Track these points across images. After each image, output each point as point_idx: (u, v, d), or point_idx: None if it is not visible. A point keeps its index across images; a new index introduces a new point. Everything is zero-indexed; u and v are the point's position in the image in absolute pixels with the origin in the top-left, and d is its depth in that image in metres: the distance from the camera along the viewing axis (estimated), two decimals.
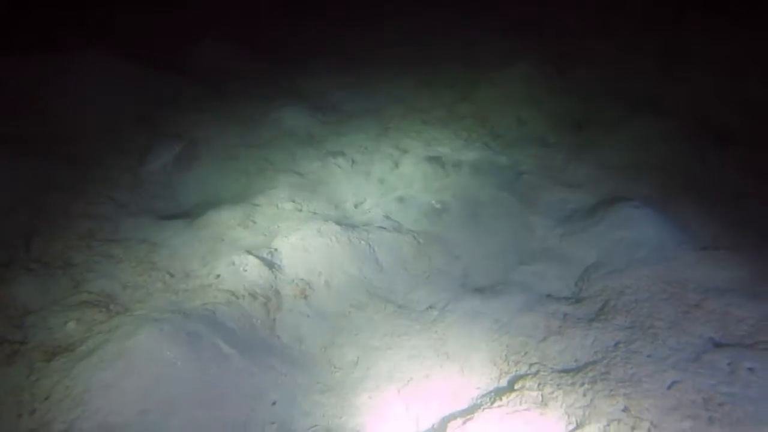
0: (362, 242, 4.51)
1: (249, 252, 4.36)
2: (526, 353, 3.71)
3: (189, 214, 5.13)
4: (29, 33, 7.36)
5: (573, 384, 3.34)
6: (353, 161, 5.85)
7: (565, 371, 3.50)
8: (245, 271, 4.22)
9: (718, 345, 3.39)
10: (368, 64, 7.95)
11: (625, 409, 3.07)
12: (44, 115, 5.80)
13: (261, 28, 8.97)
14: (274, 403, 3.44)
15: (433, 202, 5.18)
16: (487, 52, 7.60)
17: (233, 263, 4.27)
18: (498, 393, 3.45)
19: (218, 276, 4.18)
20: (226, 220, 4.84)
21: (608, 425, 2.99)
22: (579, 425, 3.06)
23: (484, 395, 3.50)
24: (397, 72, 7.70)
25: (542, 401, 3.29)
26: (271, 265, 4.31)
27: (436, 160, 5.72)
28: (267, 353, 3.72)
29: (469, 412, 3.32)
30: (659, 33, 6.94)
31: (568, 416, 3.12)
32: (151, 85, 6.52)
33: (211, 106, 6.45)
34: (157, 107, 6.29)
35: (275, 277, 4.22)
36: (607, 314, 3.83)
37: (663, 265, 4.01)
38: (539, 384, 3.41)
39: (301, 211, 5.06)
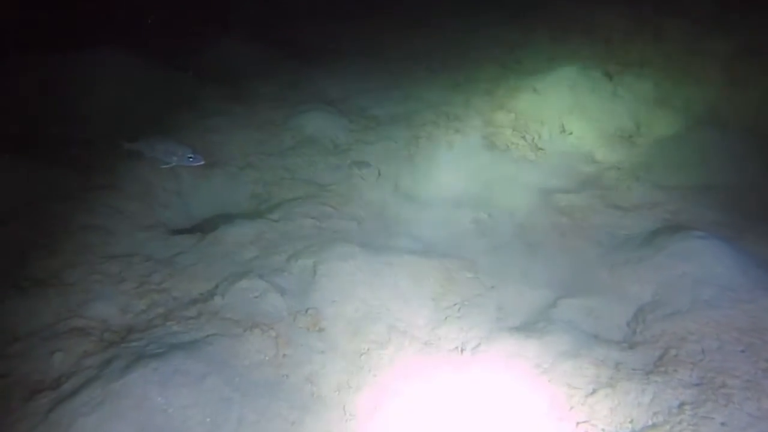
0: (386, 268, 4.05)
1: (260, 276, 3.96)
2: (571, 408, 3.19)
3: (200, 228, 4.76)
4: (46, 33, 7.09)
5: None
6: (379, 173, 5.40)
7: None
8: (255, 297, 3.83)
9: None
10: (399, 67, 7.50)
11: None
12: (53, 115, 5.50)
13: (284, 27, 8.59)
14: None
15: (467, 221, 4.69)
16: (529, 56, 7.05)
17: (243, 288, 3.88)
18: None
19: (226, 303, 3.78)
20: (238, 237, 4.44)
21: None
22: None
23: None
24: (430, 76, 7.23)
25: None
26: (283, 291, 3.89)
27: (469, 174, 5.22)
28: (273, 397, 3.29)
29: None
30: (724, 37, 6.26)
31: None
32: (167, 86, 6.18)
33: (230, 109, 6.08)
34: (174, 108, 5.94)
35: (287, 306, 3.81)
36: (667, 366, 3.27)
37: (735, 309, 3.42)
38: None
39: (320, 228, 4.63)
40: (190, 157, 4.68)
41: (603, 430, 3.03)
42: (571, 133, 5.75)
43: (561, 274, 4.24)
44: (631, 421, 3.04)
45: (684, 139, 5.21)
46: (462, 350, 3.64)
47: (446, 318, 3.88)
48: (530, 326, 3.80)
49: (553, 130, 5.80)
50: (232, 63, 7.16)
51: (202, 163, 4.75)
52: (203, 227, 4.73)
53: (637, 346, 3.49)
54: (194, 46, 7.44)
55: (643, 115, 5.81)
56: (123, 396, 2.94)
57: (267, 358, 3.49)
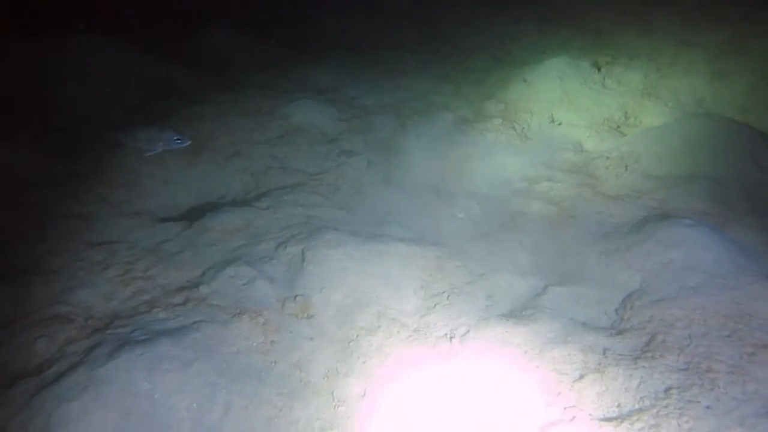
0: (375, 256, 4.02)
1: (248, 263, 3.92)
2: (559, 394, 3.19)
3: (186, 216, 4.71)
4: (28, 17, 6.95)
5: None
6: (369, 162, 5.37)
7: (606, 420, 2.97)
8: (243, 284, 3.79)
9: None
10: (389, 58, 7.46)
11: None
12: (34, 101, 5.39)
13: (274, 17, 8.50)
14: None
15: (456, 211, 4.68)
16: (519, 47, 7.04)
17: (230, 276, 3.84)
18: None
19: (213, 290, 3.75)
20: (226, 225, 4.40)
21: None
22: None
23: None
24: (420, 66, 7.20)
25: None
26: (271, 278, 3.86)
27: (458, 163, 5.21)
28: (261, 383, 3.26)
29: None
30: (711, 29, 6.28)
31: None
32: (153, 73, 6.09)
33: (217, 98, 6.01)
34: (160, 96, 5.86)
35: (276, 293, 3.78)
36: (654, 351, 3.28)
37: (721, 295, 3.44)
38: None
39: (309, 216, 4.60)
40: (177, 140, 4.63)
41: (590, 414, 3.02)
42: (560, 124, 5.75)
43: (549, 262, 4.24)
44: (619, 406, 3.04)
45: (672, 129, 5.22)
46: (451, 337, 3.62)
47: (435, 305, 3.86)
48: (519, 313, 3.79)
49: (543, 120, 5.80)
50: (221, 51, 7.08)
51: (189, 143, 4.69)
52: (190, 215, 4.68)
53: (625, 333, 3.49)
54: (183, 33, 7.33)
55: (631, 105, 5.82)
56: (107, 381, 2.90)
57: (255, 344, 3.46)
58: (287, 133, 5.75)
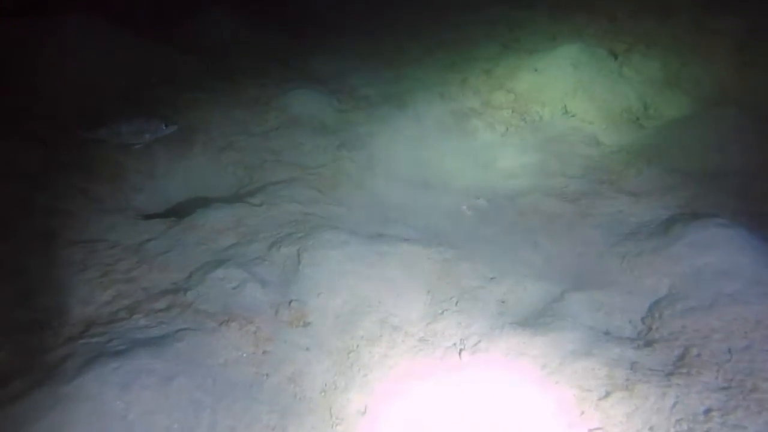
0: (377, 257, 3.73)
1: (239, 265, 3.62)
2: (582, 413, 2.87)
3: (174, 212, 4.41)
4: None
5: None
6: (370, 156, 5.05)
7: None
8: (233, 288, 3.50)
9: None
10: (392, 45, 7.17)
11: None
12: (14, 86, 5.07)
13: (272, 1, 8.18)
14: None
15: (464, 207, 4.36)
16: (529, 34, 6.71)
17: (219, 278, 3.55)
18: None
19: (200, 294, 3.43)
20: (216, 222, 4.10)
21: None
22: None
23: None
24: (425, 54, 6.90)
25: None
26: (264, 282, 3.56)
27: (466, 158, 4.89)
28: (251, 399, 2.95)
29: None
30: (735, 15, 5.93)
31: None
32: (144, 58, 5.78)
33: (211, 86, 5.72)
34: (151, 83, 5.55)
35: (268, 298, 3.48)
36: (690, 367, 2.96)
37: (764, 304, 3.12)
38: None
39: (306, 214, 4.28)
40: (166, 126, 4.35)
41: None
42: (574, 115, 5.43)
43: (567, 265, 3.92)
44: (651, 428, 2.72)
45: (696, 120, 4.89)
46: (460, 348, 3.31)
47: (443, 312, 3.55)
48: (535, 322, 3.47)
49: (555, 112, 5.50)
50: (216, 36, 6.79)
51: (176, 127, 4.44)
52: (178, 212, 4.38)
53: (654, 345, 3.17)
54: (177, 16, 7.02)
55: (650, 96, 5.50)
56: (76, 400, 2.58)
57: (245, 355, 3.16)
58: (285, 124, 5.44)
